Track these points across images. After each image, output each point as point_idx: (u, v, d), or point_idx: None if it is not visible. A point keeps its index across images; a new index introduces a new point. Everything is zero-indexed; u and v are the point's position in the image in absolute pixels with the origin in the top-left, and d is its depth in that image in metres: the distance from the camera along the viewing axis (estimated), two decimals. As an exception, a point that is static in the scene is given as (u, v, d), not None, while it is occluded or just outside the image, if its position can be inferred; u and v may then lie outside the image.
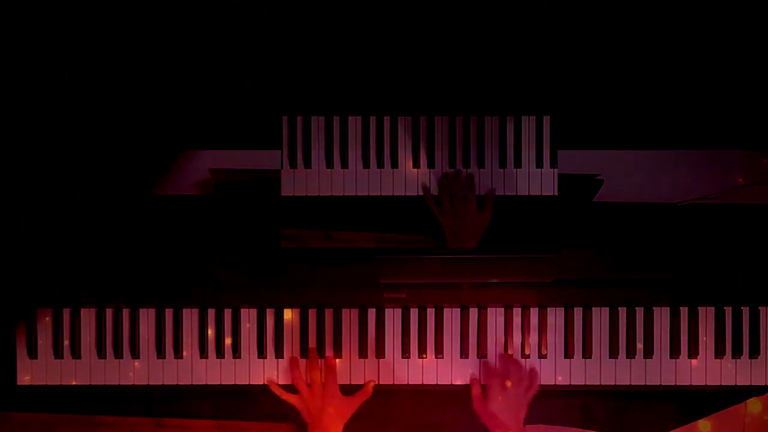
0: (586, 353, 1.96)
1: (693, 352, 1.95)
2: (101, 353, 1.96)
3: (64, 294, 1.95)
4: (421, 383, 1.96)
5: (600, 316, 1.96)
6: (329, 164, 2.03)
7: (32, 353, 1.95)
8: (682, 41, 2.02)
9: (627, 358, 1.95)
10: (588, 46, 2.03)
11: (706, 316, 1.96)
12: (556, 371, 1.96)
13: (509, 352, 1.96)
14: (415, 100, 2.04)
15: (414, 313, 1.97)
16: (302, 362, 1.95)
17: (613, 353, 1.95)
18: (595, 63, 2.03)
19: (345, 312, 1.97)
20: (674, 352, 1.95)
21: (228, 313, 1.97)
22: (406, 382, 1.96)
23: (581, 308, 1.96)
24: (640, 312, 1.96)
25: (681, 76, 2.04)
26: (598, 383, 1.96)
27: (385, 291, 1.96)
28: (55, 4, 1.99)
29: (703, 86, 2.03)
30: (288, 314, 1.97)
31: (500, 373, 1.91)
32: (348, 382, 1.96)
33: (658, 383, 1.95)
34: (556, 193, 2.03)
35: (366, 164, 2.04)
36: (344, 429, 1.90)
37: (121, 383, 1.96)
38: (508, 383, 1.88)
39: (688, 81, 2.04)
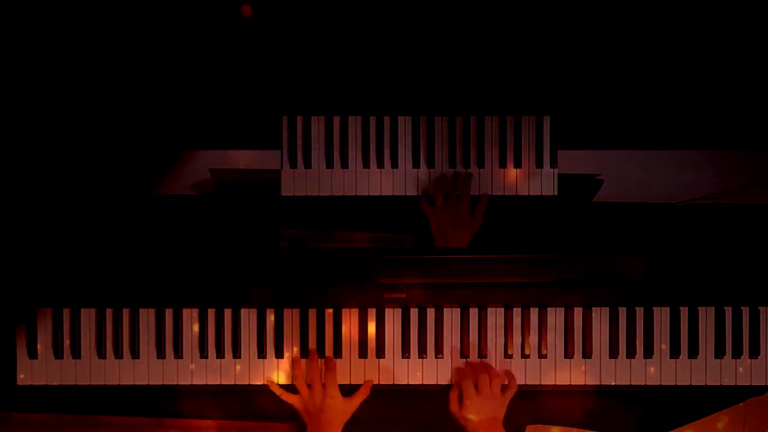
0: (586, 353, 1.96)
1: (693, 352, 1.95)
2: (101, 353, 1.95)
3: (64, 294, 1.95)
4: (421, 383, 1.96)
5: (600, 316, 1.96)
6: (329, 164, 2.03)
7: (32, 353, 1.95)
8: (681, 40, 2.02)
9: (627, 358, 1.95)
10: (588, 45, 2.03)
11: (706, 316, 1.96)
12: (556, 371, 1.96)
13: (509, 352, 1.96)
14: (415, 100, 2.04)
15: (414, 313, 1.97)
16: (302, 362, 1.95)
17: (613, 353, 1.95)
18: (595, 63, 2.03)
19: (345, 312, 1.97)
20: (674, 352, 1.95)
21: (228, 313, 1.97)
22: (406, 382, 1.96)
23: (581, 308, 1.96)
24: (640, 312, 1.96)
25: (681, 76, 2.04)
26: (598, 383, 1.96)
27: (385, 291, 1.96)
28: (56, 3, 1.99)
29: (703, 86, 2.03)
30: (288, 314, 1.97)
31: (472, 375, 1.90)
32: (348, 382, 1.95)
33: (658, 383, 1.95)
34: (556, 193, 2.03)
35: (366, 164, 2.04)
36: (344, 429, 1.90)
37: (121, 383, 1.96)
38: (482, 385, 1.87)
39: (688, 80, 2.04)
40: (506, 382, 1.92)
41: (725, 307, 1.96)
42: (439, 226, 1.99)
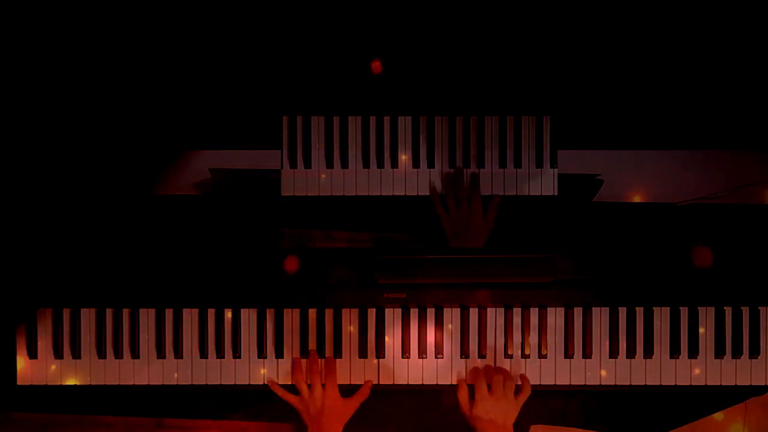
0: (586, 353, 1.96)
1: (693, 352, 1.95)
2: (101, 353, 1.96)
3: (64, 294, 1.95)
4: (421, 383, 1.96)
5: (600, 316, 1.96)
6: (329, 164, 2.03)
7: (32, 353, 1.95)
8: (682, 41, 2.02)
9: (627, 358, 1.95)
10: (588, 46, 2.03)
11: (706, 316, 1.96)
12: (556, 371, 1.96)
13: (509, 352, 1.96)
14: (415, 100, 2.04)
15: (414, 313, 1.97)
16: (303, 362, 1.95)
17: (613, 353, 1.95)
18: (595, 63, 2.04)
19: (345, 312, 1.97)
20: (674, 352, 1.95)
21: (228, 313, 1.97)
22: (406, 382, 1.96)
23: (581, 308, 1.96)
24: (640, 312, 1.96)
25: (681, 76, 2.04)
26: (598, 383, 1.96)
27: (385, 291, 1.96)
28: (56, 3, 1.99)
29: (703, 86, 2.03)
30: (288, 314, 1.97)
31: (486, 376, 1.90)
32: (348, 382, 1.96)
33: (658, 383, 1.95)
34: (556, 193, 2.03)
35: (366, 164, 2.04)
36: (344, 429, 1.90)
37: (121, 383, 1.96)
38: (495, 386, 1.87)
39: (688, 81, 2.04)
40: (520, 384, 1.91)
41: (725, 307, 1.96)
42: (454, 231, 1.99)
